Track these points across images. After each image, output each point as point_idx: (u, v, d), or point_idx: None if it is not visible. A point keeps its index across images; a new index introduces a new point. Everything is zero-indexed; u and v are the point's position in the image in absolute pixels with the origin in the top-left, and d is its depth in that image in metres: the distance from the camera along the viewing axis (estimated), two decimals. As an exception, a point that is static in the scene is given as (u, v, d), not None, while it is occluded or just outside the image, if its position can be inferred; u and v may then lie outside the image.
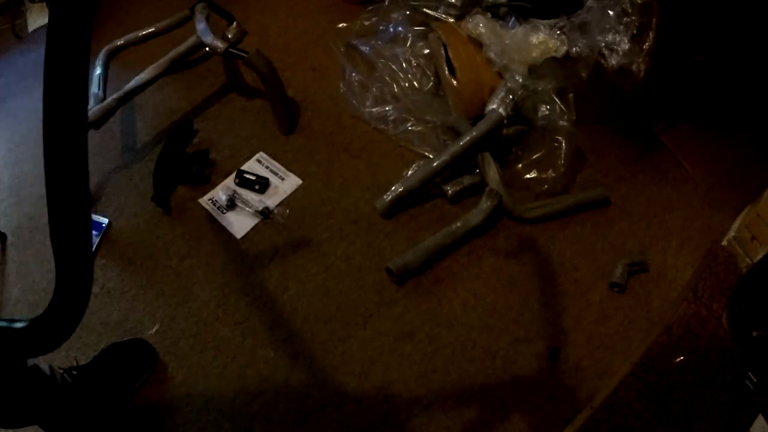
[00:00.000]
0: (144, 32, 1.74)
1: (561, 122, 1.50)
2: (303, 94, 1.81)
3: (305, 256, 1.47)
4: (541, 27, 1.52)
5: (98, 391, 1.21)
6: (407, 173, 1.56)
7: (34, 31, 2.18)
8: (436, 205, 1.54)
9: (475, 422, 1.21)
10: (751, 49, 1.50)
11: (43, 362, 1.02)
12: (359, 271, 1.44)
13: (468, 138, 1.48)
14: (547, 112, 1.52)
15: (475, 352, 1.30)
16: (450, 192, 1.51)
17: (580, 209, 1.51)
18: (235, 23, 1.63)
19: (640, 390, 1.19)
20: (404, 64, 1.76)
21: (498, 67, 1.55)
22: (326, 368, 1.29)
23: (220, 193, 1.58)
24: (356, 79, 1.77)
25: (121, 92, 1.59)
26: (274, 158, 1.66)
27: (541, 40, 1.50)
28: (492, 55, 1.54)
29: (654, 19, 1.41)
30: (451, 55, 1.59)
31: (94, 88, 1.61)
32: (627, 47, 1.42)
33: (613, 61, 1.43)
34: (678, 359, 1.23)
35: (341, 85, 1.79)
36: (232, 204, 1.55)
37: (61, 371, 1.12)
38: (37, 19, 2.22)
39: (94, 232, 1.54)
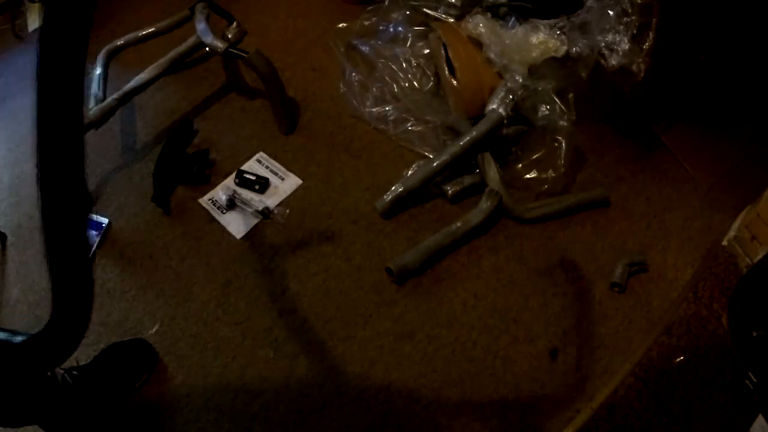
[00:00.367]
0: (144, 32, 1.74)
1: (561, 122, 1.50)
2: (303, 94, 1.81)
3: (305, 256, 1.47)
4: (541, 27, 1.52)
5: (98, 391, 1.21)
6: (407, 173, 1.56)
7: (34, 31, 2.19)
8: (436, 205, 1.54)
9: (475, 422, 1.21)
10: (751, 49, 1.50)
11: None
12: (359, 271, 1.44)
13: (468, 138, 1.48)
14: (547, 112, 1.52)
15: (475, 352, 1.30)
16: (450, 192, 1.51)
17: (580, 209, 1.51)
18: (235, 23, 1.63)
19: (640, 390, 1.19)
20: (404, 64, 1.76)
21: (498, 67, 1.55)
22: (326, 368, 1.29)
23: (220, 193, 1.58)
24: (356, 79, 1.77)
25: (121, 92, 1.59)
26: (274, 158, 1.66)
27: (541, 40, 1.50)
28: (492, 55, 1.54)
29: (654, 19, 1.41)
30: (451, 55, 1.59)
31: (94, 88, 1.61)
32: (627, 47, 1.41)
33: (613, 61, 1.43)
34: (678, 359, 1.23)
35: (341, 85, 1.79)
36: (232, 204, 1.55)
37: (62, 371, 1.12)
38: (37, 19, 2.22)
39: (94, 232, 1.54)
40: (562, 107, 1.51)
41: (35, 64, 0.50)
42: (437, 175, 1.50)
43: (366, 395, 1.25)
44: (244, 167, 1.64)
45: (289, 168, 1.64)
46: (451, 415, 1.22)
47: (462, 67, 1.58)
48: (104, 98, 1.58)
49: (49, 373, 1.03)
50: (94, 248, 1.52)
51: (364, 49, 1.82)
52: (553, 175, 1.52)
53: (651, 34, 1.42)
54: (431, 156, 1.59)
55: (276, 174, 1.63)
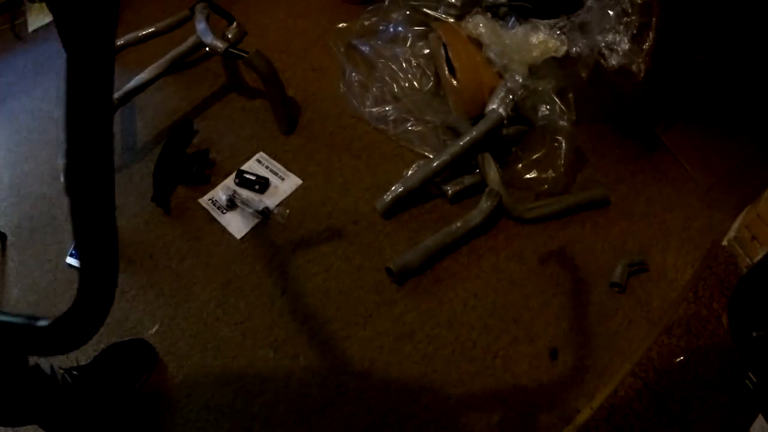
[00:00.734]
0: (144, 32, 1.75)
1: (561, 122, 1.50)
2: (303, 94, 1.81)
3: (305, 256, 1.47)
4: (541, 27, 1.52)
5: (98, 391, 1.21)
6: (407, 173, 1.56)
7: (35, 31, 2.19)
8: (436, 205, 1.54)
9: (476, 422, 1.21)
10: (751, 49, 1.50)
11: (44, 362, 1.02)
12: (359, 271, 1.44)
13: (468, 138, 1.48)
14: (547, 112, 1.52)
15: (475, 352, 1.30)
16: (450, 192, 1.51)
17: (580, 209, 1.51)
18: (235, 23, 1.63)
19: (640, 390, 1.19)
20: (404, 64, 1.76)
21: (498, 67, 1.55)
22: (326, 368, 1.29)
23: (220, 193, 1.58)
24: (356, 79, 1.77)
25: (121, 92, 1.59)
26: (274, 158, 1.66)
27: (541, 40, 1.50)
28: (492, 55, 1.54)
29: (654, 19, 1.41)
30: (451, 55, 1.59)
31: (94, 88, 1.61)
32: (627, 47, 1.41)
33: (613, 61, 1.43)
34: (678, 359, 1.23)
35: (341, 85, 1.79)
36: (232, 204, 1.55)
37: (62, 371, 1.12)
38: (37, 19, 2.22)
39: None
40: (562, 107, 1.51)
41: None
42: (437, 175, 1.51)
43: (366, 395, 1.25)
44: (244, 167, 1.64)
45: (289, 168, 1.64)
46: (451, 415, 1.22)
47: (462, 67, 1.58)
48: (104, 98, 1.58)
49: (49, 373, 1.03)
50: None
51: (364, 49, 1.82)
52: (553, 175, 1.52)
53: (651, 34, 1.42)
54: (431, 156, 1.59)
55: (276, 174, 1.63)
